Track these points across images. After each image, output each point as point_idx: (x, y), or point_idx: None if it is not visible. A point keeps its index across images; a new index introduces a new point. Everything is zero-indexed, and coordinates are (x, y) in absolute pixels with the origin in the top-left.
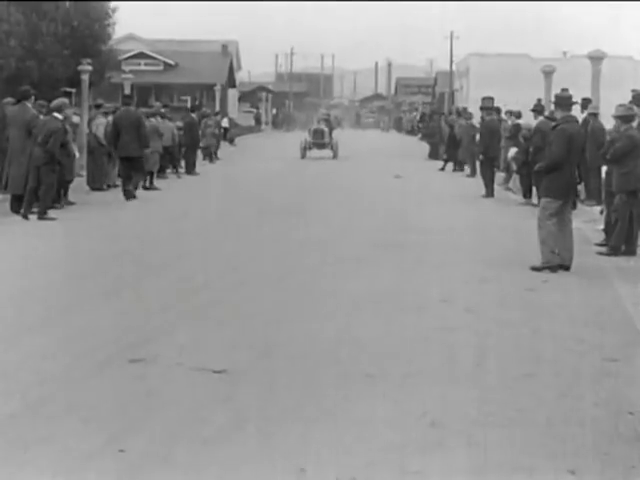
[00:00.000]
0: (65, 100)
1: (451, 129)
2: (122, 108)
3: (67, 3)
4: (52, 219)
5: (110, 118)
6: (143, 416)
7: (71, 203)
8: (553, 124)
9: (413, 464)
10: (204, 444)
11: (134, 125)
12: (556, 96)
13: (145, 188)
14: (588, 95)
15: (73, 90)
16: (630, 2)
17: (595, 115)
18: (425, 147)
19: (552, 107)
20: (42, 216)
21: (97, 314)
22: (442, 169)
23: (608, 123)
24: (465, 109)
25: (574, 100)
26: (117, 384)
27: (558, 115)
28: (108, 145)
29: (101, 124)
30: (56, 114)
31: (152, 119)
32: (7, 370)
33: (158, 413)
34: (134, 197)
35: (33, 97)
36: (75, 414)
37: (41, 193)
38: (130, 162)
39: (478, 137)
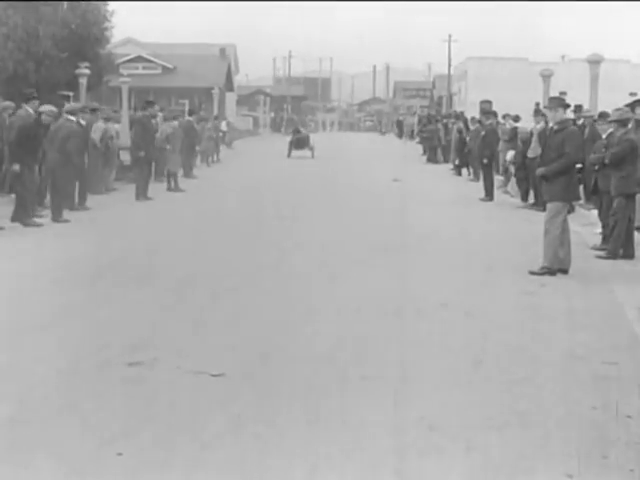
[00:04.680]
0: (79, 105)
1: (460, 133)
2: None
3: (65, 5)
4: (66, 221)
5: (109, 124)
6: (141, 419)
7: (86, 208)
8: (556, 127)
9: (411, 468)
10: (202, 448)
11: (135, 127)
12: (555, 98)
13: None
14: (587, 98)
15: (71, 93)
16: (628, 5)
17: (592, 118)
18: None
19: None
20: (57, 219)
21: (96, 317)
22: (459, 174)
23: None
24: (462, 113)
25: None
26: (115, 387)
27: (560, 117)
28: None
29: (99, 129)
30: (70, 117)
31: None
32: (5, 372)
33: (156, 417)
34: (137, 199)
35: (37, 101)
36: (73, 417)
37: (56, 197)
38: (136, 163)
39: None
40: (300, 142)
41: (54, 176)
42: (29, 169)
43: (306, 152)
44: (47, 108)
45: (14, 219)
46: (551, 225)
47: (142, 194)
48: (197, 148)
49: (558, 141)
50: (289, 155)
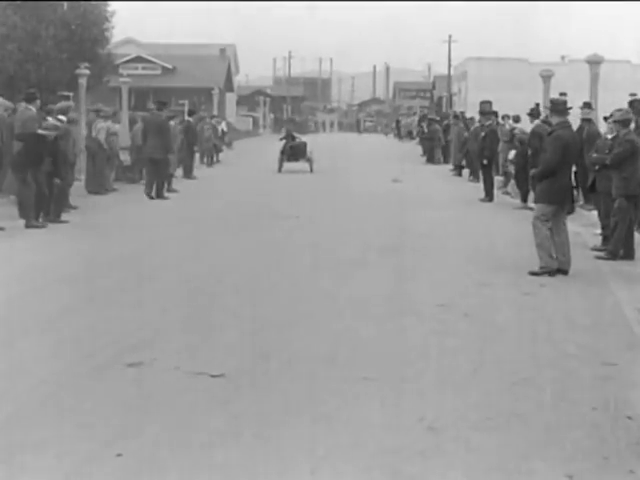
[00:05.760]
0: (70, 103)
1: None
2: (149, 113)
3: (65, 5)
4: (65, 222)
5: (110, 123)
6: (140, 420)
7: (73, 207)
8: (549, 130)
9: (410, 468)
10: (202, 448)
11: (159, 129)
12: (551, 101)
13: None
14: (587, 99)
15: (71, 94)
16: (628, 5)
17: (589, 120)
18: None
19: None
20: (56, 219)
21: (95, 318)
22: (459, 174)
23: (602, 127)
24: (462, 113)
25: (569, 105)
26: (115, 388)
27: (554, 120)
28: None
29: (102, 129)
30: (61, 117)
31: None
32: (4, 373)
33: (156, 417)
34: (159, 197)
35: (39, 101)
36: (72, 418)
37: (55, 197)
38: (155, 164)
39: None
40: (294, 152)
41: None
42: (34, 171)
43: (303, 165)
44: (50, 124)
45: (21, 215)
46: (535, 226)
47: (161, 193)
48: (195, 148)
49: (546, 144)
50: (280, 169)
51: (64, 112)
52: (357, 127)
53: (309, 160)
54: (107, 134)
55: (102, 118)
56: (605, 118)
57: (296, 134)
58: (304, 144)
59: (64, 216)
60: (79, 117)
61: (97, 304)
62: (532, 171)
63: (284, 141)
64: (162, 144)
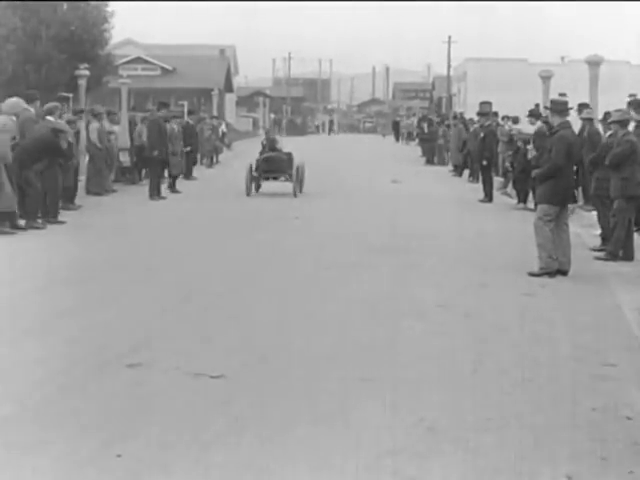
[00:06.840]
0: (57, 104)
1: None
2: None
3: (65, 6)
4: (63, 222)
5: (106, 122)
6: (140, 421)
7: (76, 207)
8: (552, 130)
9: (410, 469)
10: (201, 449)
11: (147, 128)
12: (552, 102)
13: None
14: (586, 99)
15: (70, 95)
16: (628, 5)
17: (590, 120)
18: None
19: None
20: (54, 220)
21: (95, 319)
22: (460, 175)
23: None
24: (462, 113)
25: (570, 105)
26: (114, 389)
27: (555, 121)
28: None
29: (95, 129)
30: (49, 117)
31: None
32: (4, 374)
33: (155, 418)
34: (151, 197)
35: (38, 101)
36: (72, 419)
37: (49, 198)
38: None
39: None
40: (271, 166)
41: (45, 177)
42: (30, 171)
43: (284, 185)
44: (64, 126)
45: (22, 215)
46: (538, 226)
47: (156, 193)
48: (188, 148)
49: (550, 145)
50: (249, 192)
51: (51, 113)
52: (329, 127)
53: (291, 176)
54: (99, 133)
55: (95, 118)
56: (605, 119)
57: (279, 140)
58: (287, 155)
59: (63, 216)
60: (78, 118)
61: (96, 305)
62: (535, 171)
63: (261, 148)
64: (148, 143)
